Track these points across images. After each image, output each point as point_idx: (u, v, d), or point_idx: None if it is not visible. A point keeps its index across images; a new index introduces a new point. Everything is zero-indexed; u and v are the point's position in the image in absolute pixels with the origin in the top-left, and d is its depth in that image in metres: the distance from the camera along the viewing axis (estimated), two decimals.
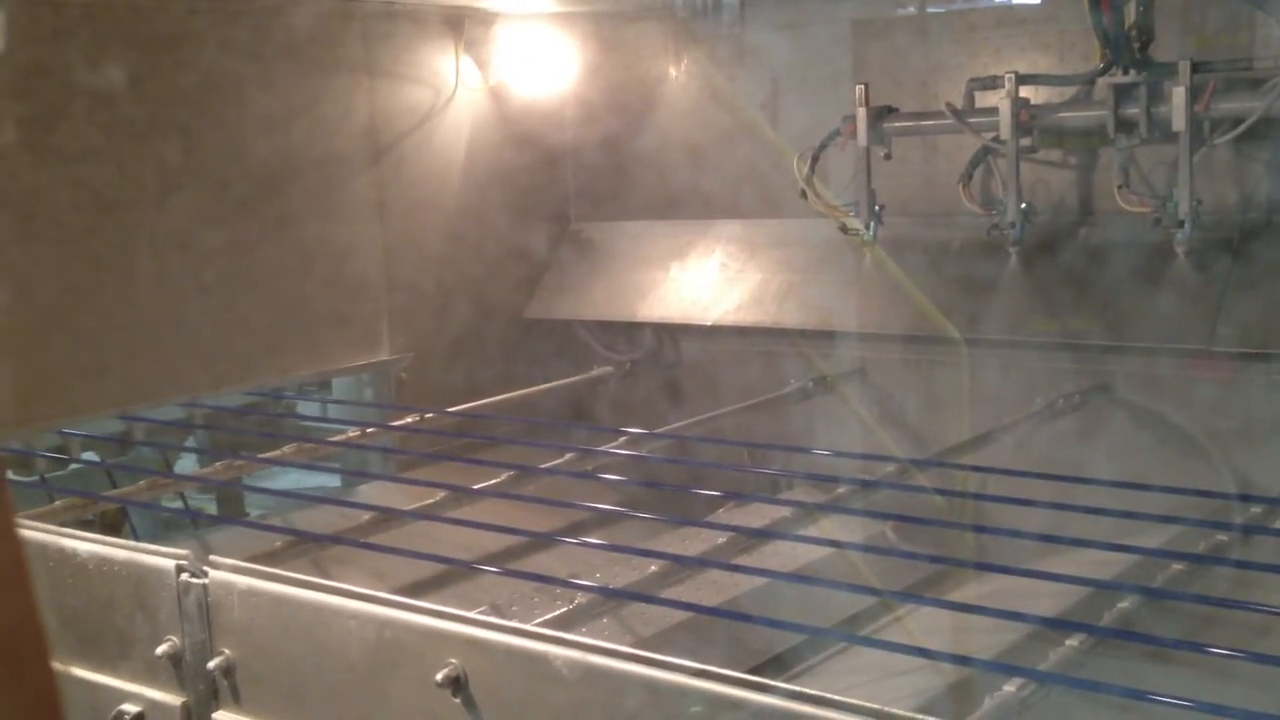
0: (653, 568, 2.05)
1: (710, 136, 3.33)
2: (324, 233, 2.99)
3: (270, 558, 2.11)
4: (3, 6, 2.28)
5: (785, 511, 2.33)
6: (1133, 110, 2.60)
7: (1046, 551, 2.04)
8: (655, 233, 3.44)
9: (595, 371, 3.43)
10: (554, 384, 3.27)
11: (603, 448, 2.54)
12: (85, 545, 1.86)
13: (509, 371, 3.34)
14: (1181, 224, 2.54)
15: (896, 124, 2.88)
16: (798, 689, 1.33)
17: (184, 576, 1.77)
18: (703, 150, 3.35)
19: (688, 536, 2.34)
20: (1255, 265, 2.57)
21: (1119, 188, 2.66)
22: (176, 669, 1.77)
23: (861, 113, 2.85)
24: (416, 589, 2.18)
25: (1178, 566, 1.90)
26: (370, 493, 2.72)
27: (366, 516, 2.31)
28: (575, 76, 3.46)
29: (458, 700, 1.52)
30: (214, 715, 1.76)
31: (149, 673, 1.80)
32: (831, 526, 2.28)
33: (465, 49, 3.25)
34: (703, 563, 2.10)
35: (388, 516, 2.31)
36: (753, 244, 3.28)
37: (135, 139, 2.62)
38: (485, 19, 3.28)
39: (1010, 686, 1.51)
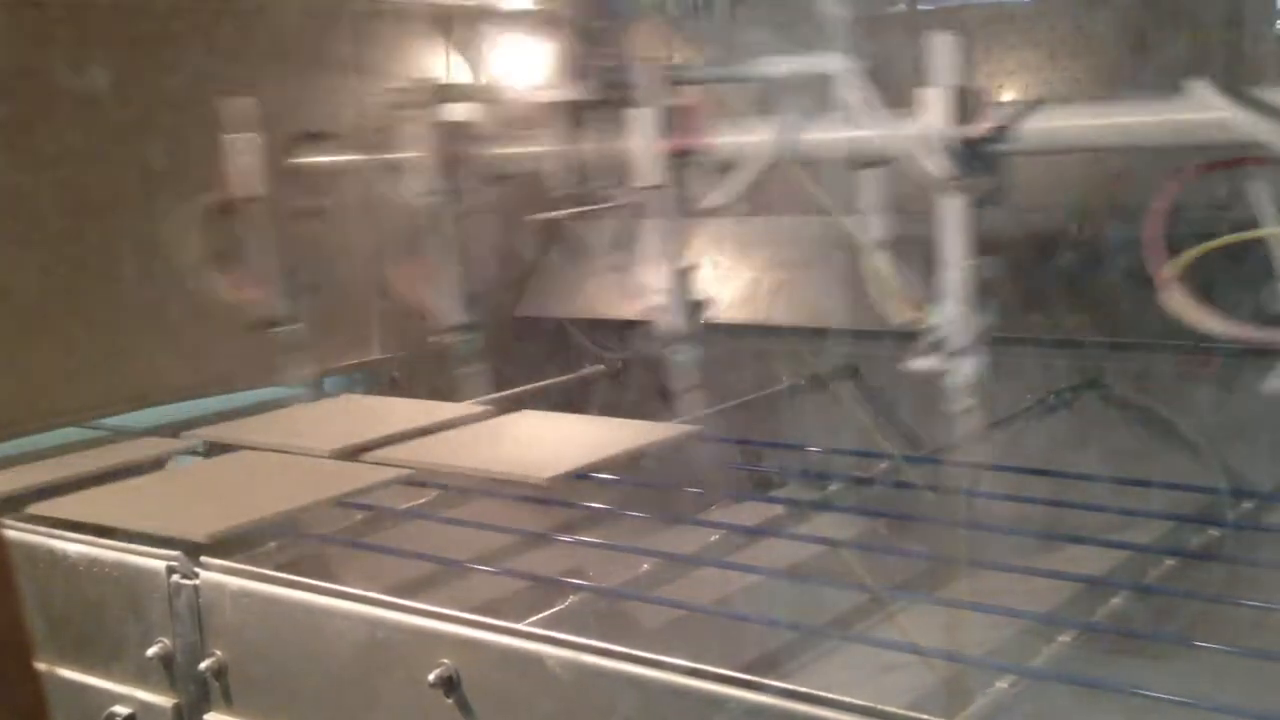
0: (645, 566, 2.04)
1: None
2: (313, 233, 2.98)
3: (262, 558, 2.10)
4: None
5: (778, 509, 2.32)
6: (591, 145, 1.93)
7: (1039, 548, 2.04)
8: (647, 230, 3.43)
9: (586, 370, 3.42)
10: (545, 383, 3.27)
11: None
12: (75, 546, 1.86)
13: (501, 370, 3.33)
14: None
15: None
16: (791, 686, 1.33)
17: (175, 578, 1.77)
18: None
19: (680, 535, 2.34)
20: None
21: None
22: (168, 670, 1.77)
23: None
24: (409, 589, 2.18)
25: (1170, 562, 1.90)
26: None
27: (359, 516, 2.31)
28: (566, 74, 3.45)
29: (450, 700, 1.52)
30: (205, 717, 1.76)
31: (140, 674, 1.80)
32: (824, 524, 2.28)
33: (455, 47, 3.25)
34: (695, 561, 2.10)
35: (380, 516, 2.31)
36: (744, 242, 3.28)
37: (120, 140, 2.61)
38: (475, 17, 3.27)
39: (1003, 683, 1.51)
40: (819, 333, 3.07)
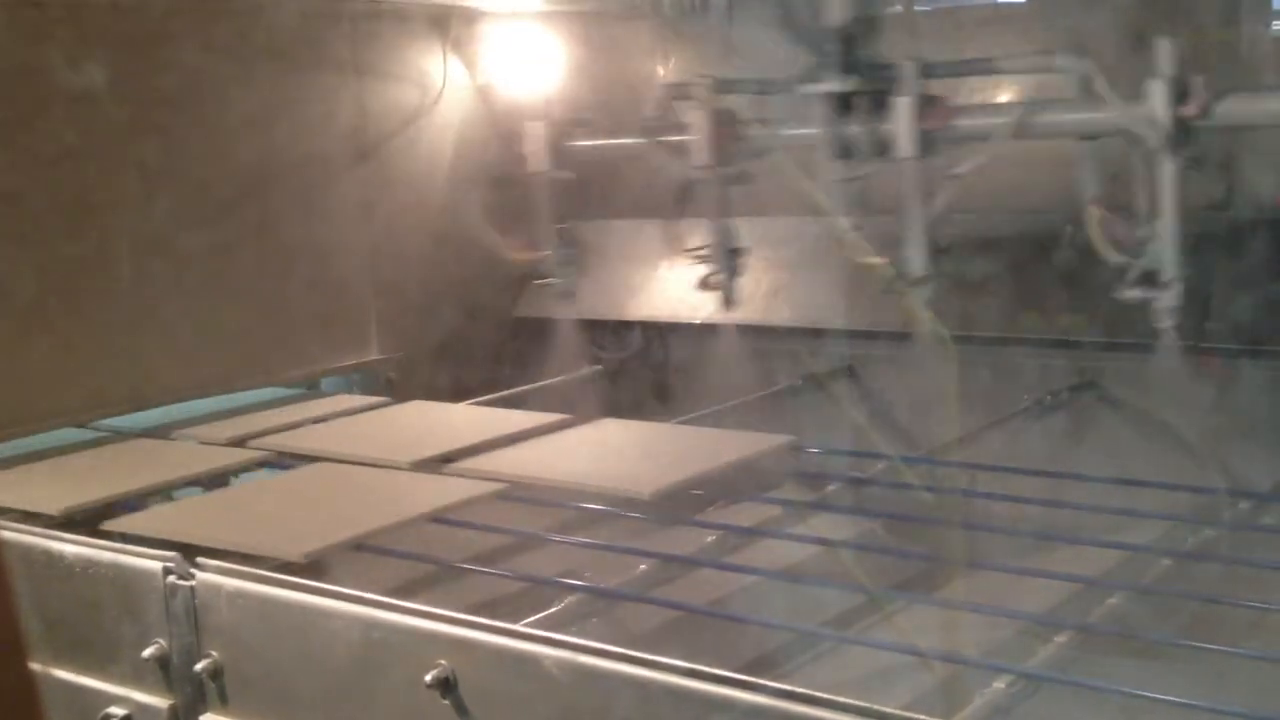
0: (642, 566, 2.04)
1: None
2: (310, 233, 2.98)
3: (258, 559, 2.10)
4: None
5: (775, 510, 2.32)
6: (855, 128, 2.17)
7: (1035, 548, 2.04)
8: (644, 231, 3.43)
9: (584, 370, 3.42)
10: (543, 383, 3.27)
11: None
12: (71, 547, 1.86)
13: (498, 371, 3.33)
14: (920, 281, 2.17)
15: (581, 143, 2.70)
16: (788, 687, 1.33)
17: (171, 578, 1.76)
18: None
19: (677, 535, 2.34)
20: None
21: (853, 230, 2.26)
22: (164, 671, 1.77)
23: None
24: (405, 589, 2.18)
25: (1167, 562, 1.90)
26: None
27: None
28: (563, 75, 3.45)
29: (447, 701, 1.52)
30: (201, 718, 1.76)
31: (136, 675, 1.80)
32: (821, 524, 2.27)
33: (452, 48, 3.25)
34: (692, 561, 2.10)
35: None
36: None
37: (115, 139, 2.61)
38: (472, 17, 3.27)
39: (1000, 684, 1.51)
40: (816, 333, 3.08)
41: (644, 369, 3.44)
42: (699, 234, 2.83)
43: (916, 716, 1.26)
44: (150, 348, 2.68)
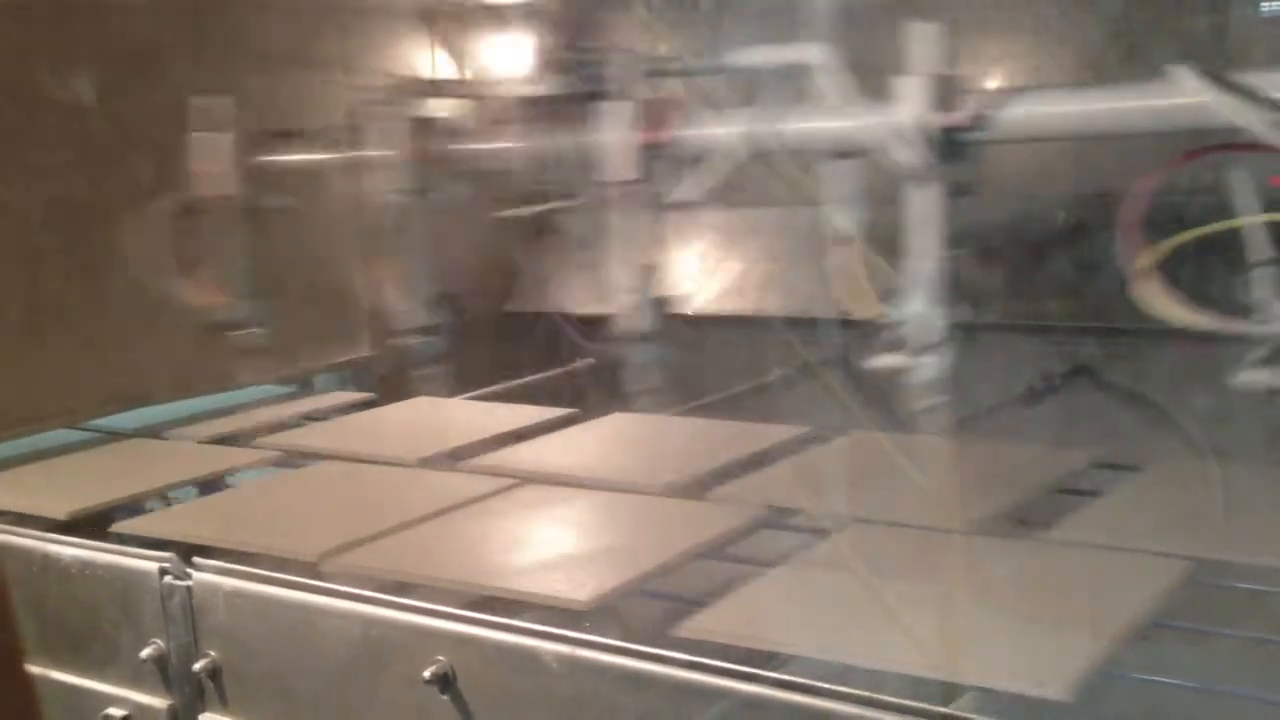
0: None
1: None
2: (300, 230, 2.98)
3: (254, 557, 2.10)
4: None
5: None
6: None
7: None
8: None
9: (578, 364, 3.42)
10: (537, 377, 3.26)
11: None
12: (68, 549, 1.86)
13: (491, 365, 3.33)
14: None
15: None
16: (788, 678, 1.33)
17: (167, 579, 1.76)
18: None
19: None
20: None
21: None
22: (162, 672, 1.77)
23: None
24: (403, 586, 2.17)
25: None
26: None
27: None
28: (543, 68, 3.44)
29: (446, 697, 1.52)
30: (200, 718, 1.76)
31: (134, 677, 1.80)
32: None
33: (440, 42, 3.24)
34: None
35: None
36: (732, 233, 3.28)
37: (107, 137, 2.60)
38: (460, 11, 3.27)
39: None
40: (808, 323, 3.08)
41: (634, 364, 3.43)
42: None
43: (918, 704, 1.26)
44: (141, 347, 2.68)
